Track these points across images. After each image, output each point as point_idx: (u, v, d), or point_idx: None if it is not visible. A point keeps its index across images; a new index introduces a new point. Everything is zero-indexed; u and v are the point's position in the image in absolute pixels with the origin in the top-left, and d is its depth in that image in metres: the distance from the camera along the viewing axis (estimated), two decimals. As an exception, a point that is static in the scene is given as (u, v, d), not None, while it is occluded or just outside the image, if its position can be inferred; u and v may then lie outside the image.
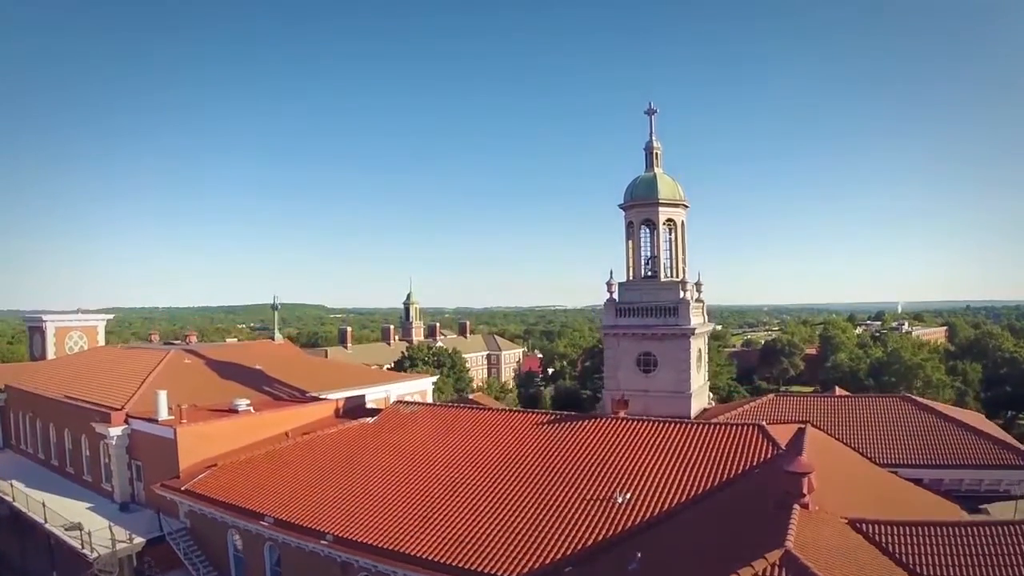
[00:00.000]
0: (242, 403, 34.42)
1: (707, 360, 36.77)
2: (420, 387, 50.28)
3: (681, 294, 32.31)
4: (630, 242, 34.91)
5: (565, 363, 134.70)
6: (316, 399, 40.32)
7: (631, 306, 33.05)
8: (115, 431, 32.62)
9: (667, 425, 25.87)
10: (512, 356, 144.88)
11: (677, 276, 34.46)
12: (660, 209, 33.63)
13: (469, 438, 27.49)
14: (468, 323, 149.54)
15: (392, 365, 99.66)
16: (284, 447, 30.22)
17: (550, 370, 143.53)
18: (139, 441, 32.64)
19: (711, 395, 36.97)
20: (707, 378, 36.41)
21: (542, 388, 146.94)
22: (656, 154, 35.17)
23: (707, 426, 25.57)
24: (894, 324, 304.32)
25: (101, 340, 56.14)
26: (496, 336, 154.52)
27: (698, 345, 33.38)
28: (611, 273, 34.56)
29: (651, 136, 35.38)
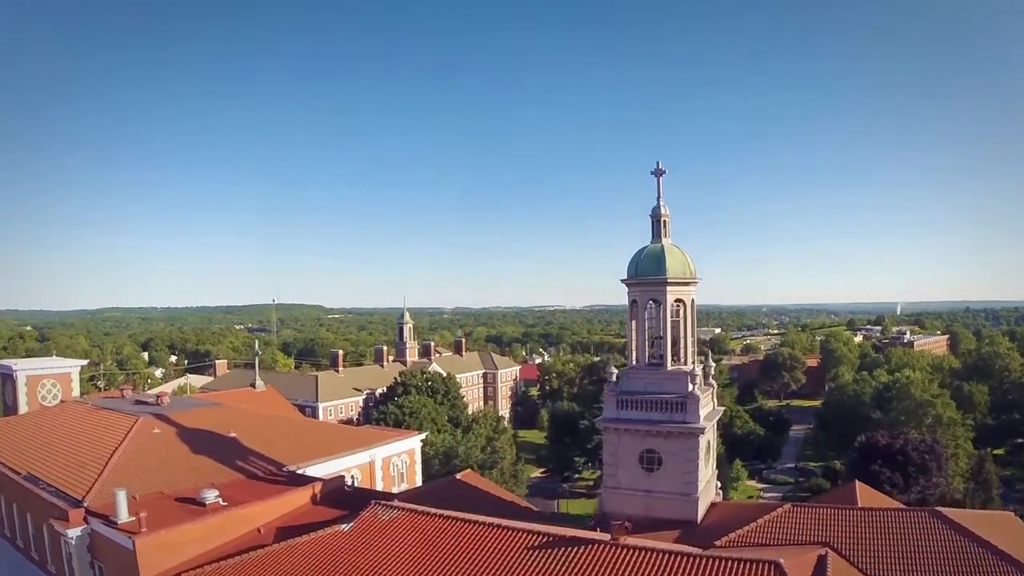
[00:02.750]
0: (210, 495, 31.77)
1: (716, 448, 34.17)
2: (407, 446, 47.68)
3: (689, 386, 29.60)
4: (634, 322, 32.17)
5: (563, 381, 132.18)
6: (294, 476, 37.89)
7: (634, 398, 30.35)
8: (74, 532, 30.00)
9: (674, 559, 23.23)
10: (508, 374, 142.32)
11: (684, 360, 31.74)
12: (668, 288, 30.84)
13: (451, 565, 24.80)
14: (464, 340, 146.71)
15: (385, 390, 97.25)
16: (253, 558, 27.55)
17: (547, 387, 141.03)
18: (100, 542, 29.97)
19: (718, 484, 34.34)
20: (715, 468, 33.79)
21: (538, 403, 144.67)
22: (664, 222, 32.38)
23: (718, 562, 22.95)
24: (895, 331, 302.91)
25: (75, 388, 53.61)
26: (492, 354, 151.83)
27: (707, 438, 30.73)
28: (611, 359, 31.93)
29: (659, 201, 32.53)
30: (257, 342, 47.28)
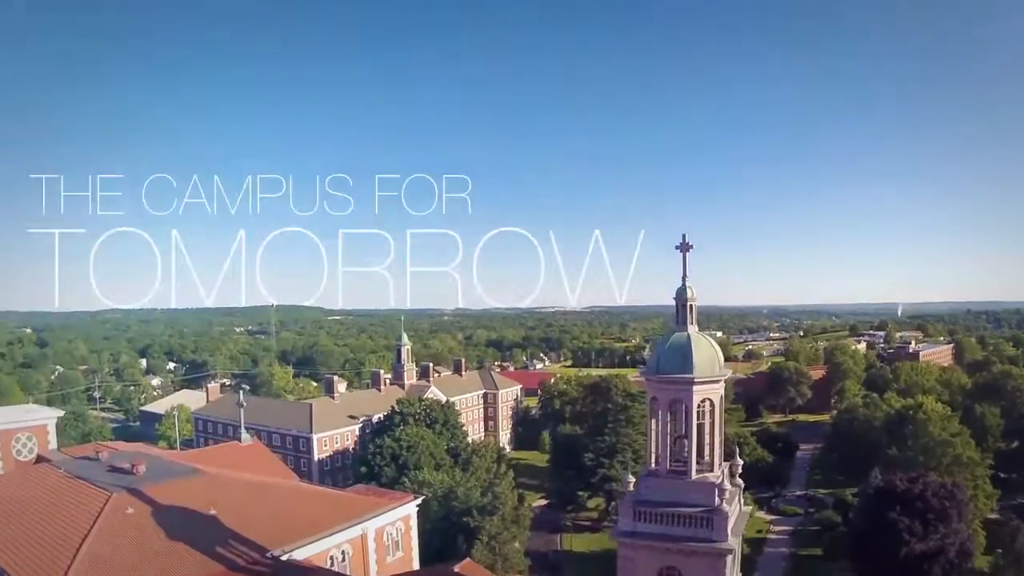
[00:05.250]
0: (185, 604, 28.87)
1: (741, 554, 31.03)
2: (402, 513, 44.68)
3: (716, 499, 26.46)
4: (654, 421, 28.93)
5: (565, 402, 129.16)
6: (279, 564, 34.87)
7: (653, 510, 27.21)
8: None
9: None
10: (510, 394, 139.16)
11: (711, 465, 28.57)
12: (695, 388, 27.58)
13: None
14: (463, 360, 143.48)
15: (382, 418, 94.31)
16: None
17: (548, 408, 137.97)
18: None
19: (741, 583, 31.26)
20: (740, 572, 30.73)
21: (540, 420, 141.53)
22: (691, 307, 29.02)
23: None
24: (899, 338, 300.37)
25: (52, 441, 50.70)
26: (493, 372, 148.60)
27: (735, 552, 27.62)
28: (629, 465, 28.88)
29: (684, 282, 28.92)
30: (241, 393, 45.75)
